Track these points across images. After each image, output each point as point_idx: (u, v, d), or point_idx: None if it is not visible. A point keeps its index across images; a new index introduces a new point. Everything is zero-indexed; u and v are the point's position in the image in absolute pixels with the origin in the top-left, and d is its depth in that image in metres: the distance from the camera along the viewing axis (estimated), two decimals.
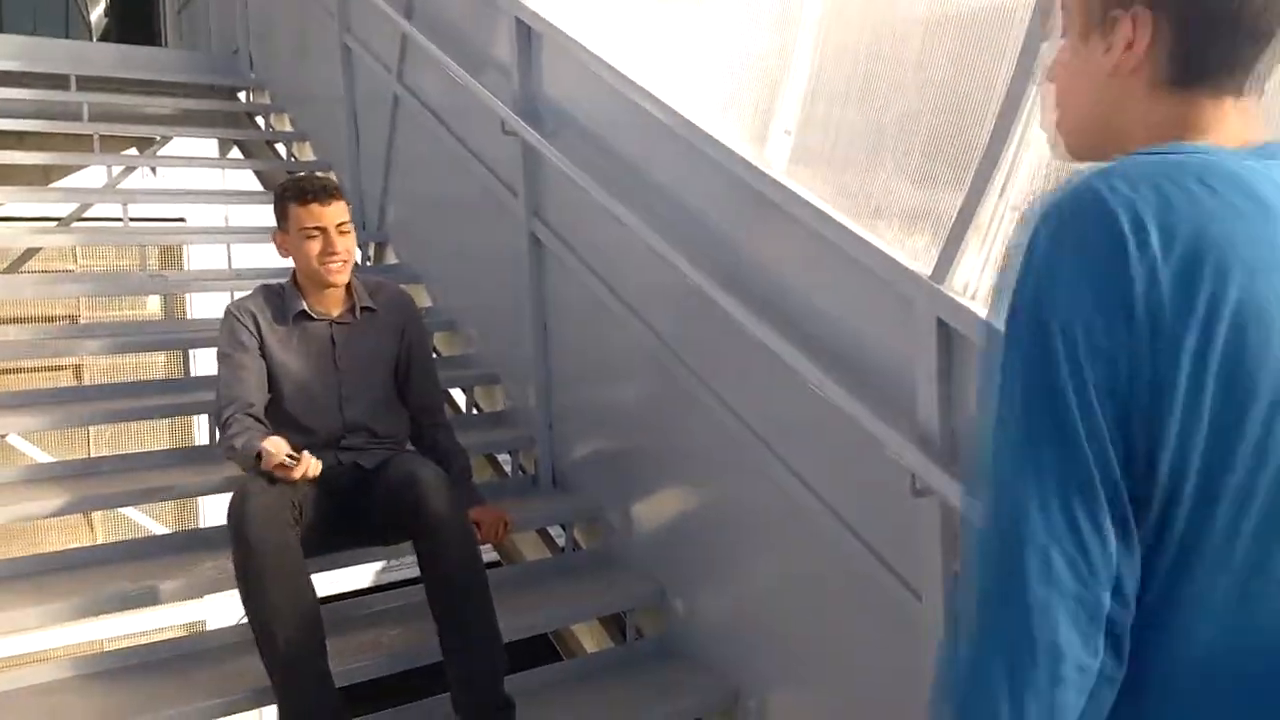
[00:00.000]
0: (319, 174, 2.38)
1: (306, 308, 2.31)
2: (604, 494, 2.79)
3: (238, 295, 2.39)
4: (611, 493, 2.75)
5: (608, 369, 2.78)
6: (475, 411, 3.38)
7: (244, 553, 1.97)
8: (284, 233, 2.31)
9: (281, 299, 2.32)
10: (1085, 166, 0.77)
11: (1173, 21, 0.77)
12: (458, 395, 3.46)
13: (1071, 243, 0.70)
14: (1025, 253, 0.73)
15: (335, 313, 2.34)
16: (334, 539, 2.24)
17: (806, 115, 2.19)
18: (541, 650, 2.68)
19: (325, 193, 2.29)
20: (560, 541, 2.88)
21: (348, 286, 2.34)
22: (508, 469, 3.13)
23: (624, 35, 2.69)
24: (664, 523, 2.59)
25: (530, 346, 2.97)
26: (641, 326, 2.51)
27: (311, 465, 2.04)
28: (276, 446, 2.06)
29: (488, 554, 2.72)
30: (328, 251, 2.26)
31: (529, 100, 2.92)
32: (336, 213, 2.28)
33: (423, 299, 3.77)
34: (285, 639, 1.94)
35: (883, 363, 1.85)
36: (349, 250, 2.31)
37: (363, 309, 2.36)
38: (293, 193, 2.30)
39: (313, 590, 2.03)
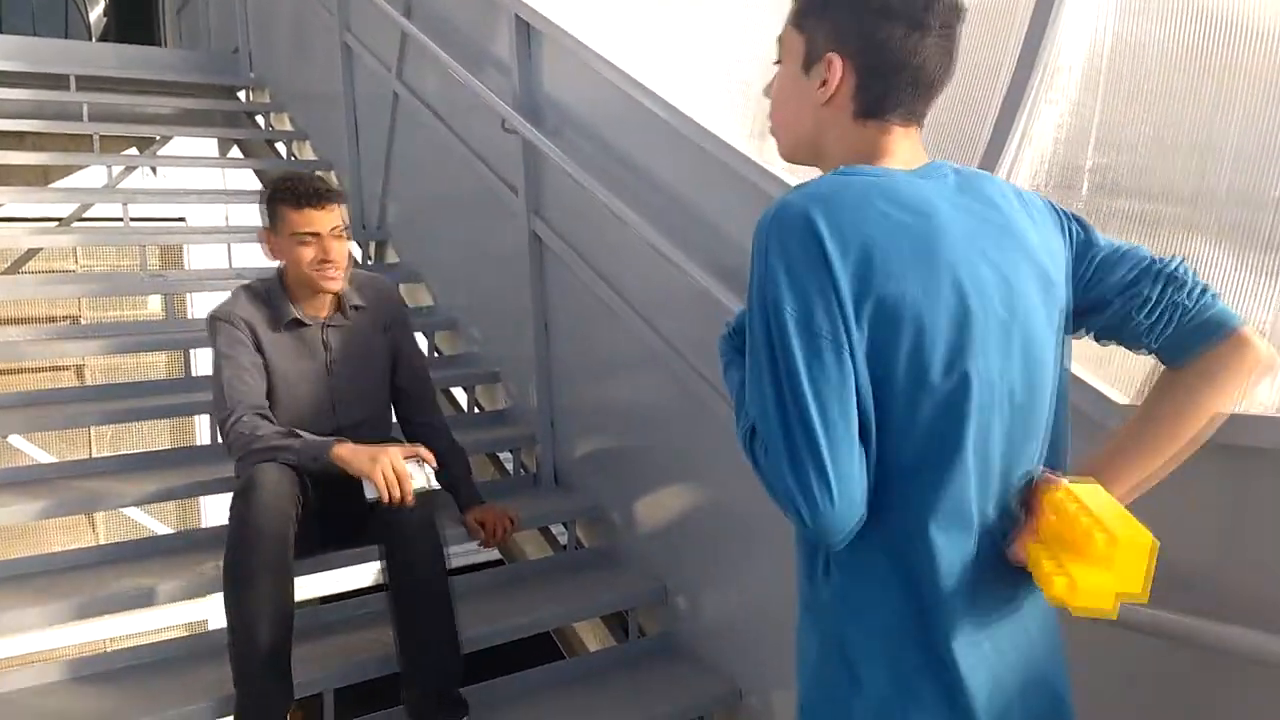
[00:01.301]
0: (316, 173, 2.30)
1: (299, 314, 2.23)
2: (606, 492, 2.78)
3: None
4: (613, 490, 2.75)
5: (609, 367, 2.77)
6: (477, 410, 3.38)
7: (244, 542, 1.95)
8: (274, 234, 2.21)
9: (270, 303, 2.23)
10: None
11: (858, 69, 1.02)
12: (459, 394, 3.46)
13: (786, 250, 0.93)
14: (754, 259, 0.96)
15: (326, 314, 2.28)
16: (321, 539, 2.22)
17: None
18: (544, 649, 2.68)
19: (320, 196, 2.17)
20: (562, 539, 2.89)
21: None
22: (509, 467, 3.13)
23: (624, 30, 2.68)
24: (666, 520, 2.59)
25: (531, 344, 2.97)
26: (643, 324, 2.51)
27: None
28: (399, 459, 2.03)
29: (490, 553, 2.72)
30: (322, 259, 2.17)
31: (529, 98, 2.92)
32: (332, 217, 2.19)
33: (423, 297, 3.77)
34: (263, 637, 1.93)
35: None
36: (344, 256, 2.22)
37: (353, 307, 2.30)
38: (286, 195, 2.18)
39: (293, 592, 2.02)
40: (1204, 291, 1.05)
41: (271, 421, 2.13)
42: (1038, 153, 1.68)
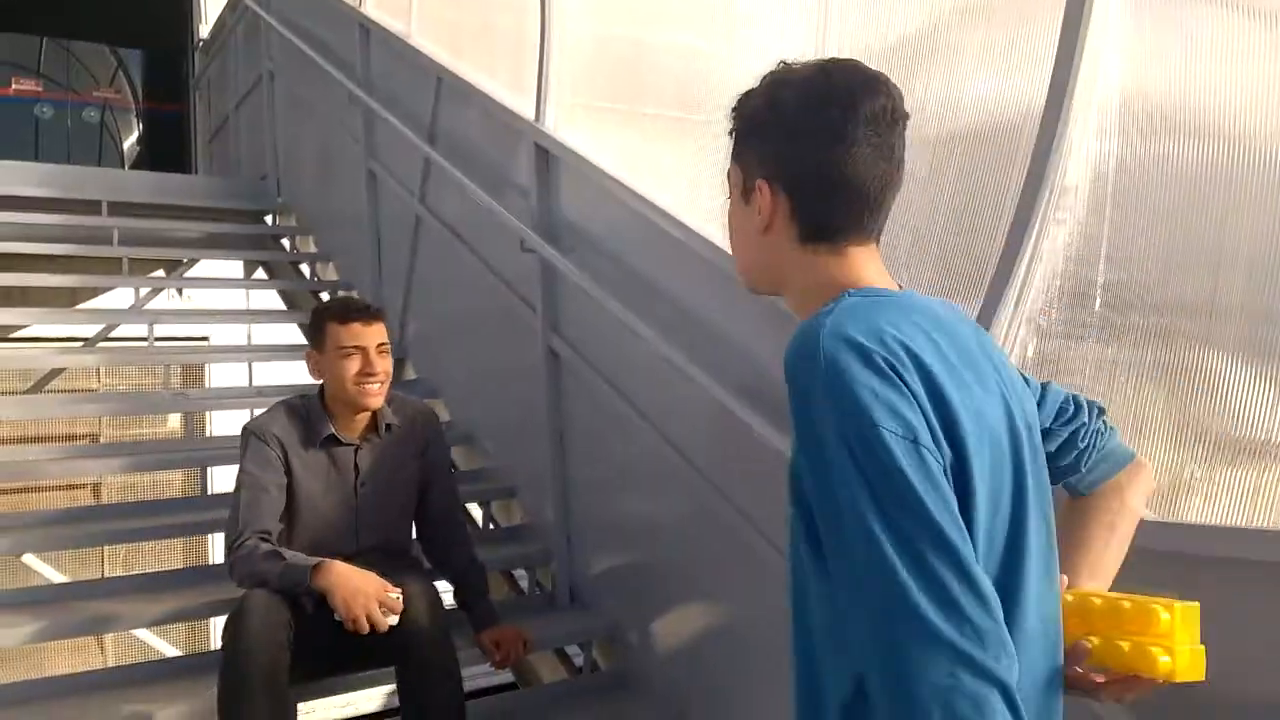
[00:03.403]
0: (358, 296, 2.40)
1: (335, 432, 2.26)
2: (623, 611, 2.72)
3: (258, 412, 2.37)
4: (631, 610, 2.69)
5: (626, 483, 2.75)
6: (492, 526, 3.35)
7: (233, 671, 1.92)
8: (319, 352, 2.27)
9: (307, 421, 2.26)
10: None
11: (789, 192, 0.98)
12: (475, 510, 3.43)
13: (853, 377, 0.84)
14: (802, 408, 0.86)
15: (360, 435, 2.30)
16: (327, 662, 2.17)
17: None
18: None
19: (368, 312, 2.28)
20: (578, 661, 2.81)
21: None
22: (524, 585, 3.08)
23: (636, 154, 2.78)
24: (685, 640, 2.52)
25: (547, 461, 2.96)
26: (660, 440, 2.50)
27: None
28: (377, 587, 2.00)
29: (503, 675, 2.65)
30: (366, 372, 2.22)
31: (547, 218, 3.00)
32: (377, 333, 2.26)
33: (440, 413, 3.78)
34: None
35: None
36: (387, 373, 2.27)
37: (386, 426, 2.32)
38: (334, 311, 2.29)
39: (294, 718, 1.98)
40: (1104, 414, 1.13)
41: (272, 544, 2.11)
42: (1049, 269, 1.70)
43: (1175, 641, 0.93)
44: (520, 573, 3.12)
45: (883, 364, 0.85)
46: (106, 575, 4.79)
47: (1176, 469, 1.52)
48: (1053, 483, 1.05)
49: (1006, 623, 0.82)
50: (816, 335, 0.88)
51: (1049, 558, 0.96)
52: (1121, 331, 1.63)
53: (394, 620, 2.00)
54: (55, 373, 5.87)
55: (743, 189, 1.03)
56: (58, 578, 5.02)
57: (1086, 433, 1.10)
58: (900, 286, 1.02)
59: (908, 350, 0.87)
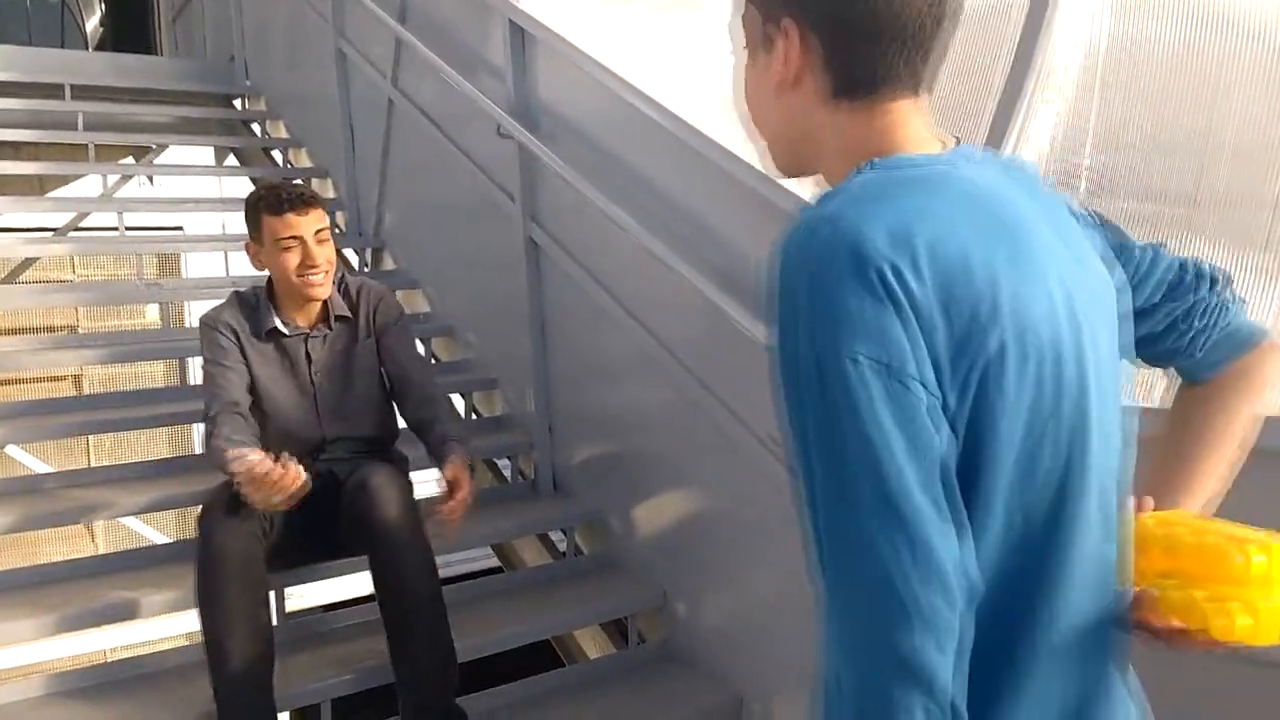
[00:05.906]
0: (294, 181, 2.28)
1: (279, 324, 2.21)
2: (605, 498, 2.77)
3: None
4: (612, 497, 2.74)
5: (607, 372, 2.76)
6: (474, 416, 3.37)
7: (207, 561, 1.94)
8: (257, 244, 2.19)
9: (256, 311, 2.22)
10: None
11: (820, 33, 0.79)
12: (457, 400, 3.45)
13: (835, 286, 0.68)
14: (787, 297, 0.70)
15: (309, 325, 2.24)
16: (307, 549, 2.20)
17: None
18: (544, 657, 2.67)
19: (301, 201, 2.17)
20: (561, 546, 2.87)
21: None
22: (507, 474, 3.12)
23: (618, 36, 2.68)
24: (666, 526, 2.58)
25: (528, 351, 2.96)
26: (640, 330, 2.50)
27: (296, 479, 1.92)
28: (262, 464, 1.93)
29: (489, 560, 2.71)
30: (307, 264, 2.15)
31: (524, 103, 2.91)
32: (314, 221, 2.17)
33: (420, 304, 3.77)
34: (238, 654, 1.91)
35: None
36: (329, 261, 2.19)
37: (337, 318, 2.26)
38: (266, 202, 2.17)
39: (269, 606, 2.01)
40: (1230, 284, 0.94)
41: (246, 419, 2.12)
42: (1034, 153, 1.67)
43: (1264, 594, 0.75)
44: (503, 462, 3.16)
45: (879, 273, 0.68)
46: (93, 466, 4.83)
47: None
48: (1162, 366, 0.94)
49: (1047, 565, 0.73)
50: (812, 225, 0.72)
51: (1114, 488, 0.80)
52: (1106, 217, 1.61)
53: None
54: (28, 263, 5.78)
55: (761, 37, 0.83)
56: (44, 469, 5.05)
57: (1205, 309, 0.92)
58: (948, 144, 0.81)
59: (930, 249, 0.69)
